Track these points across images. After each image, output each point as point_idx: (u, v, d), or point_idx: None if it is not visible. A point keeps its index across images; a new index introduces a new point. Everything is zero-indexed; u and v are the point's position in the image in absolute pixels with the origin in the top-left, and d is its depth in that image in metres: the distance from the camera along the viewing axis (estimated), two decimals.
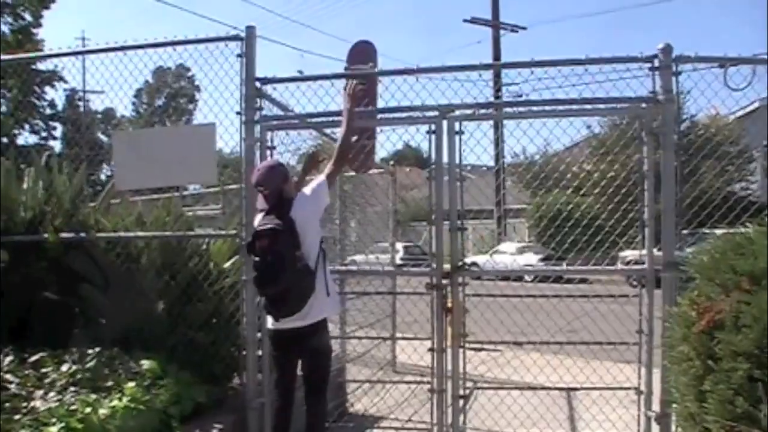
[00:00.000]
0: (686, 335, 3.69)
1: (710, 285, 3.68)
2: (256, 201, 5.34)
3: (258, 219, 5.08)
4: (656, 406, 5.26)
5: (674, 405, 4.13)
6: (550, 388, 6.57)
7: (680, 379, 3.79)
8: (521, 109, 5.82)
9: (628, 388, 5.62)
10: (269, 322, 5.04)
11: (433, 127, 5.70)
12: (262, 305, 5.03)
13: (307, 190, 5.13)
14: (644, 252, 5.41)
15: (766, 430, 3.05)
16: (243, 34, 5.92)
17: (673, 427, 4.88)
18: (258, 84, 5.97)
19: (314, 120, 6.18)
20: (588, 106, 5.57)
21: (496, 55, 34.71)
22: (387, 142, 13.79)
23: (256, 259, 4.84)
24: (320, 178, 5.19)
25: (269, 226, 4.84)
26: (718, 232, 4.19)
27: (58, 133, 36.24)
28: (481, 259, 21.20)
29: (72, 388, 5.30)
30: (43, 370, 5.66)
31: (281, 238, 4.79)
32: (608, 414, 6.17)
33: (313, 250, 4.92)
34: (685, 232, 5.38)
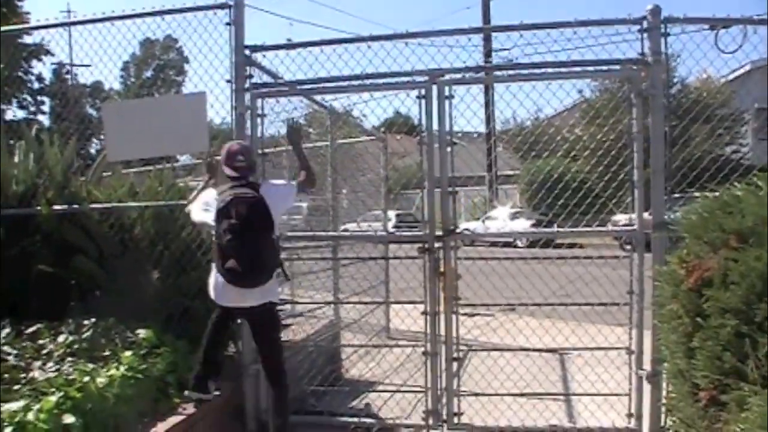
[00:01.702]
0: (675, 293, 3.74)
1: (699, 243, 3.72)
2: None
3: (224, 188, 5.08)
4: (647, 366, 5.34)
5: (664, 363, 4.20)
6: (542, 350, 6.65)
7: (670, 337, 3.84)
8: (511, 72, 5.83)
9: (620, 348, 5.68)
10: (215, 295, 5.13)
11: (422, 92, 5.70)
12: (221, 273, 4.95)
13: (276, 182, 5.37)
14: (634, 215, 5.45)
15: (753, 384, 3.10)
16: (231, 2, 5.89)
17: (664, 385, 4.96)
18: (247, 52, 5.96)
19: (304, 87, 6.17)
20: (577, 69, 5.57)
21: (486, 21, 34.47)
22: (377, 108, 13.74)
23: (233, 221, 4.83)
24: (292, 183, 5.40)
25: (251, 194, 4.94)
26: (708, 194, 4.23)
27: (46, 107, 35.99)
28: (473, 225, 21.25)
29: (69, 359, 5.36)
30: (41, 342, 5.71)
31: (261, 208, 4.89)
32: (600, 374, 6.24)
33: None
34: (675, 195, 5.42)
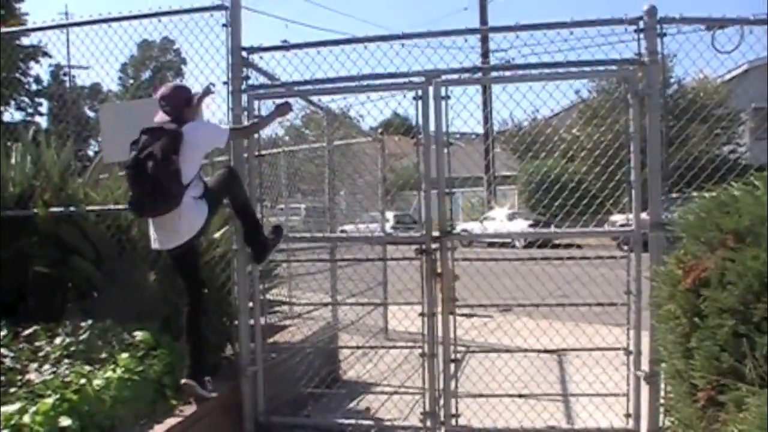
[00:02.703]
0: (673, 293, 3.73)
1: (696, 243, 3.71)
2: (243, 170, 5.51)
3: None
4: (645, 366, 5.33)
5: (662, 364, 4.19)
6: (540, 351, 6.63)
7: (667, 338, 3.83)
8: (507, 73, 5.82)
9: (618, 349, 5.67)
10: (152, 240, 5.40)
11: (419, 92, 5.69)
12: (128, 201, 5.24)
13: (207, 123, 5.63)
14: (632, 215, 5.45)
15: (751, 384, 3.10)
16: (228, 3, 5.89)
17: (662, 385, 4.95)
18: (244, 53, 5.95)
19: (301, 88, 6.16)
20: (574, 69, 5.56)
21: (483, 22, 34.49)
22: (374, 109, 13.77)
23: (135, 154, 5.08)
24: (226, 126, 5.66)
25: (158, 124, 5.20)
26: (706, 194, 4.23)
27: (44, 109, 35.97)
28: (471, 226, 21.24)
29: (66, 361, 5.34)
30: (37, 344, 5.70)
31: (165, 138, 5.05)
32: (598, 375, 6.24)
33: (189, 173, 5.14)
34: (673, 195, 5.41)
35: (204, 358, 5.54)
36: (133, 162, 5.05)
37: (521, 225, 23.63)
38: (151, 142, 5.03)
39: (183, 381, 5.34)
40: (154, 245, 5.40)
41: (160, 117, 5.28)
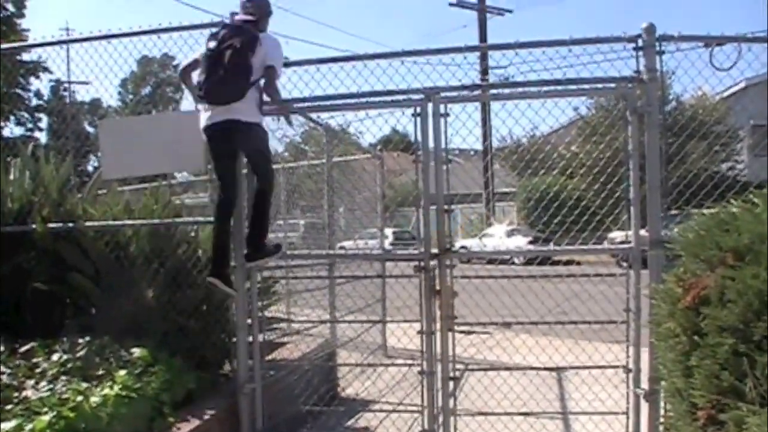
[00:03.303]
0: (672, 311, 3.72)
1: (695, 261, 3.70)
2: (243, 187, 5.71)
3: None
4: (645, 384, 5.31)
5: (662, 382, 4.17)
6: (539, 369, 6.61)
7: (667, 356, 3.82)
8: (506, 90, 5.83)
9: (617, 367, 5.65)
10: (203, 119, 5.65)
11: (418, 109, 5.69)
12: (197, 92, 5.55)
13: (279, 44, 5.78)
14: (631, 232, 5.44)
15: (752, 403, 3.08)
16: (227, 21, 5.90)
17: (662, 404, 4.93)
18: None
19: (300, 105, 6.16)
20: (573, 87, 5.57)
21: (483, 39, 34.62)
22: (374, 126, 13.78)
23: (216, 43, 5.42)
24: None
25: (239, 22, 5.59)
26: (705, 211, 4.22)
27: (43, 124, 36.06)
28: (470, 242, 21.23)
29: (63, 378, 5.31)
30: (35, 360, 5.67)
31: (246, 36, 5.45)
32: (597, 393, 6.21)
33: (254, 76, 5.52)
34: (672, 212, 5.41)
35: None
36: (214, 49, 5.39)
37: (520, 242, 23.62)
38: (231, 36, 5.41)
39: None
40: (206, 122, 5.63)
41: (242, 16, 5.64)
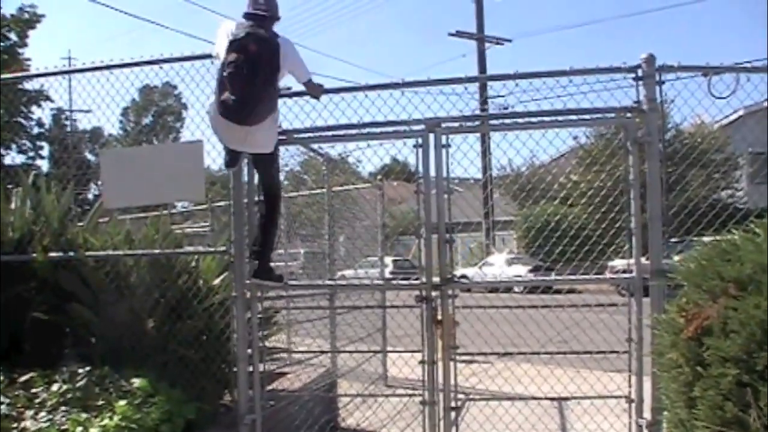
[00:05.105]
0: (675, 342, 3.71)
1: (697, 291, 3.70)
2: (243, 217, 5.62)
3: (244, 24, 5.41)
4: (647, 414, 5.27)
5: (665, 412, 4.15)
6: (541, 398, 6.57)
7: (670, 386, 3.81)
8: (507, 121, 5.86)
9: (619, 397, 5.62)
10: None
11: (419, 140, 5.71)
12: (216, 107, 5.32)
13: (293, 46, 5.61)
14: (632, 261, 5.44)
15: None
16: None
17: None
18: None
19: (301, 136, 6.18)
20: (573, 117, 5.59)
21: (482, 68, 34.77)
22: (374, 156, 13.85)
23: (239, 55, 5.16)
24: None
25: (264, 34, 5.33)
26: (706, 239, 4.23)
27: (45, 152, 36.15)
28: (470, 271, 21.22)
29: (63, 408, 5.30)
30: (34, 390, 5.65)
31: (271, 49, 5.25)
32: (599, 423, 6.18)
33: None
34: (673, 240, 5.41)
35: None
36: (235, 64, 5.15)
37: (520, 270, 23.59)
38: (250, 43, 5.20)
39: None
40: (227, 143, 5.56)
41: (251, 10, 5.45)
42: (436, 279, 5.69)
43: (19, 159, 33.87)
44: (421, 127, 5.70)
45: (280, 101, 5.99)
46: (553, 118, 5.59)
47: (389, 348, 9.36)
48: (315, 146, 7.44)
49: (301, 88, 5.91)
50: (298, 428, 6.39)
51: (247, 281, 5.87)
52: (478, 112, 6.50)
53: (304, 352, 8.02)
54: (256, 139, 5.40)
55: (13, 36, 30.67)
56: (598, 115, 5.74)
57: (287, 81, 5.79)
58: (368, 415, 7.92)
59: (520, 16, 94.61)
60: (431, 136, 5.65)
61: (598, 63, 5.49)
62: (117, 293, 6.50)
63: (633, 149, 5.40)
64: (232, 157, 5.63)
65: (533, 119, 5.65)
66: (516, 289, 14.13)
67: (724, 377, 3.26)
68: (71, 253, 6.61)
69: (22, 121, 32.83)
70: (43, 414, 5.16)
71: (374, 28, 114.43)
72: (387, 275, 10.62)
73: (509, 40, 37.17)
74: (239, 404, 5.93)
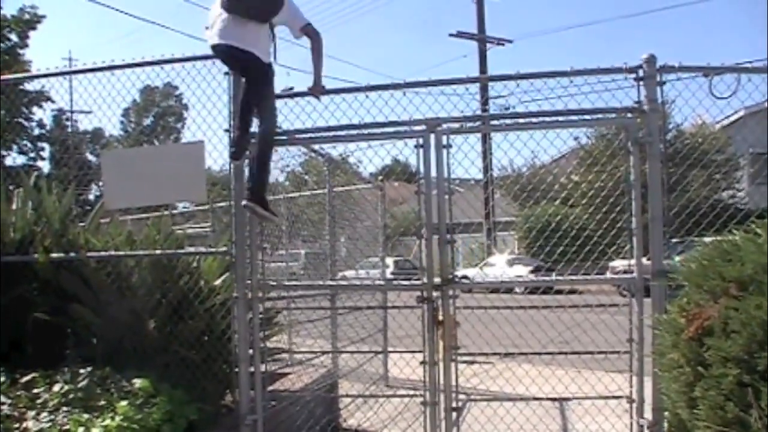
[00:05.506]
0: (676, 342, 3.71)
1: (698, 292, 3.70)
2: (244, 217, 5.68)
3: None
4: (648, 414, 5.27)
5: (666, 413, 4.16)
6: (542, 399, 6.57)
7: (671, 387, 3.81)
8: (508, 121, 5.86)
9: (620, 397, 5.62)
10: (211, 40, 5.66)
11: (420, 141, 5.71)
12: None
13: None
14: (633, 261, 5.43)
15: None
16: None
17: None
18: None
19: (302, 136, 6.19)
20: (574, 117, 5.59)
21: (483, 69, 34.80)
22: (375, 157, 13.85)
23: None
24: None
25: None
26: (707, 239, 4.23)
27: (46, 153, 36.17)
28: (471, 272, 21.21)
29: (64, 408, 5.30)
30: (35, 391, 5.65)
31: None
32: (601, 423, 6.18)
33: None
34: (674, 241, 5.41)
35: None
36: None
37: (521, 271, 23.60)
38: None
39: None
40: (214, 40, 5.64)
41: None
42: (437, 279, 5.69)
43: (21, 160, 33.95)
44: (422, 127, 5.70)
45: (280, 101, 6.01)
46: (554, 118, 5.59)
47: (390, 348, 9.37)
48: (316, 147, 7.44)
49: (301, 89, 5.93)
50: (300, 429, 6.39)
51: (248, 281, 5.88)
52: (479, 112, 6.48)
53: (305, 352, 8.02)
54: (257, 38, 5.60)
55: (13, 37, 30.73)
56: (599, 116, 5.73)
57: (286, 81, 5.80)
58: (369, 415, 7.92)
59: (521, 17, 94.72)
60: (432, 136, 5.65)
61: (599, 63, 5.50)
62: (118, 294, 6.50)
63: (634, 150, 5.40)
64: (238, 149, 5.63)
65: (534, 120, 5.65)
66: (517, 289, 14.13)
67: (725, 377, 3.26)
68: (72, 254, 6.60)
69: (23, 122, 32.86)
70: (44, 414, 5.16)
71: (375, 28, 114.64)
72: (388, 276, 10.62)
73: (510, 41, 37.25)
74: (241, 405, 5.93)
